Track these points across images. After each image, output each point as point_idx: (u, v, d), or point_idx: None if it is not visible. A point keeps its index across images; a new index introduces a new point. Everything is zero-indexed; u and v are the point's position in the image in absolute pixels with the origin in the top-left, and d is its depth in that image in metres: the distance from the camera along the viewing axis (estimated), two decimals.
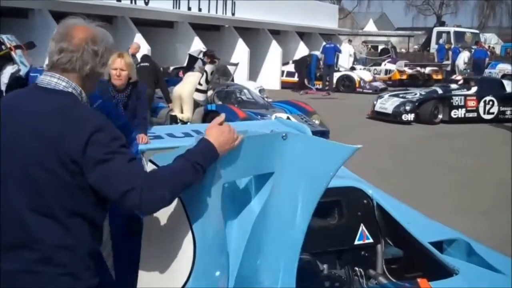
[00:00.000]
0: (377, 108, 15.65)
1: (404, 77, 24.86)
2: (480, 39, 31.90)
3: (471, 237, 3.90)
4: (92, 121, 2.10)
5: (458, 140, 12.96)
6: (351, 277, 3.46)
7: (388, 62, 27.13)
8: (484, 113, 15.56)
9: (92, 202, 2.14)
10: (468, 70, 21.93)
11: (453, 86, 16.12)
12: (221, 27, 23.48)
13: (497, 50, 32.60)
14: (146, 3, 19.40)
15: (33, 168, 2.09)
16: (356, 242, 3.58)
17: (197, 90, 11.73)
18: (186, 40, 20.44)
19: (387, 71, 25.76)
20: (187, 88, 11.73)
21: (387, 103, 15.45)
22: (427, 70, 23.69)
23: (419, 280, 2.98)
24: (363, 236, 3.59)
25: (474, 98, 15.46)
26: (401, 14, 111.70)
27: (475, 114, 15.45)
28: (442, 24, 36.68)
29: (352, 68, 25.21)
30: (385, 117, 15.23)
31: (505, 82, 16.70)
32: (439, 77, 23.60)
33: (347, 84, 22.78)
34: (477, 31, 35.50)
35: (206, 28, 22.24)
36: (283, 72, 24.55)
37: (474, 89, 15.68)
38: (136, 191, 2.04)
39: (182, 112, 11.76)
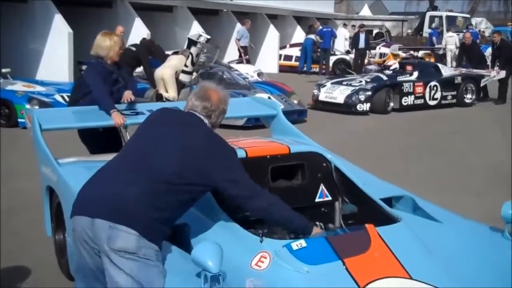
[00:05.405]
0: (322, 98, 14.11)
1: (398, 60, 25.13)
2: (471, 23, 32.26)
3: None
4: None
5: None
6: None
7: (383, 46, 27.50)
8: (430, 99, 14.91)
9: None
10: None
11: (387, 72, 15.23)
12: (220, 12, 23.74)
13: (487, 34, 33.02)
14: None
15: None
16: (317, 200, 4.06)
17: (183, 71, 12.28)
18: (185, 25, 20.67)
19: (381, 55, 26.15)
20: (168, 72, 12.25)
21: (335, 92, 14.03)
22: (420, 53, 24.09)
23: (367, 225, 3.32)
24: (322, 195, 4.07)
25: (421, 84, 14.72)
26: None
27: (422, 101, 14.74)
28: (434, 9, 36.92)
29: (348, 52, 25.59)
30: (335, 107, 13.85)
31: (440, 65, 16.54)
32: (432, 60, 23.97)
33: (343, 68, 23.17)
34: (468, 16, 35.86)
35: (204, 13, 22.51)
36: (280, 55, 24.92)
37: (415, 74, 14.91)
38: None
39: (167, 92, 12.35)
